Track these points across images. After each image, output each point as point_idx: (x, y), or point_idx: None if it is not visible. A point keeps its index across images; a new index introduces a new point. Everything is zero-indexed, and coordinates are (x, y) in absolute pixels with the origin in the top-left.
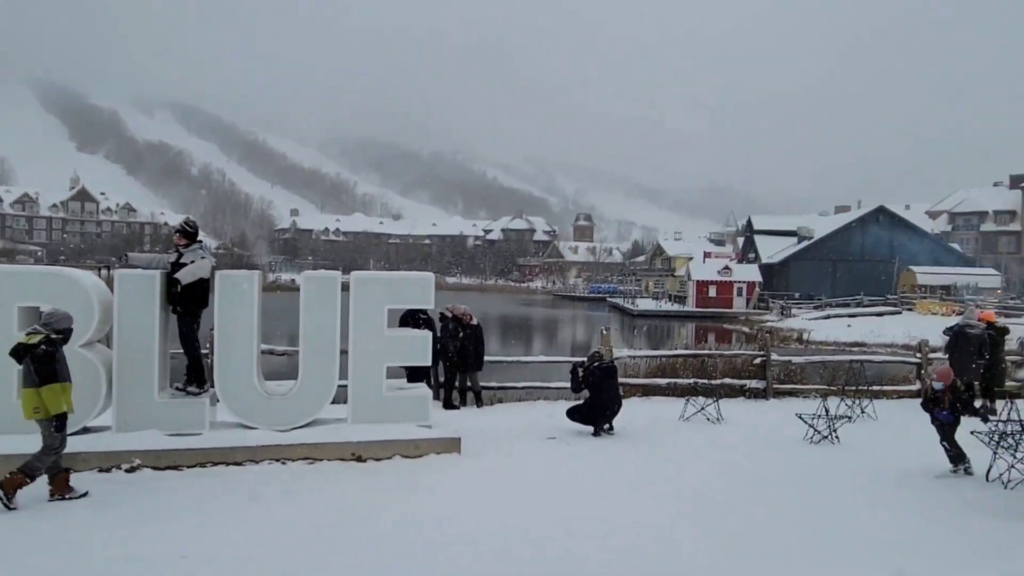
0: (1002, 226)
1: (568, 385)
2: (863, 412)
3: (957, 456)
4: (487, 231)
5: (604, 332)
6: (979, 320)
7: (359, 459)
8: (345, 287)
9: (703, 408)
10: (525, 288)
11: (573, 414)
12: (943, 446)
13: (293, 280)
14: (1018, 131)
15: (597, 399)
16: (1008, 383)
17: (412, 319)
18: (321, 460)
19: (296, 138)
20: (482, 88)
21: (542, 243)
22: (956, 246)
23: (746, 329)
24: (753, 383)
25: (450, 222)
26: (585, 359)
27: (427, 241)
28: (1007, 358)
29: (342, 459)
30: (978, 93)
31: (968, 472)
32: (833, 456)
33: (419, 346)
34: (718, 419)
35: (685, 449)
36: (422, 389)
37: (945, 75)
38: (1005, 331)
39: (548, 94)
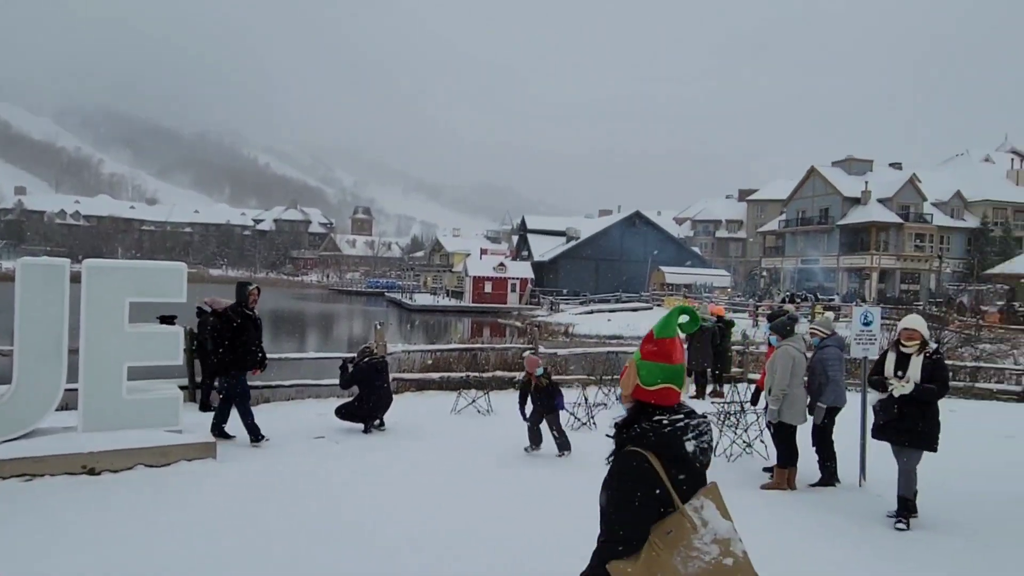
0: (732, 233)
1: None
2: (618, 400)
3: (563, 443)
4: (258, 221)
5: (378, 327)
6: (711, 314)
7: (91, 472)
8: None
9: (474, 400)
10: (299, 282)
11: (342, 412)
12: (552, 434)
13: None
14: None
15: (367, 395)
16: (733, 369)
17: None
18: (43, 476)
19: (27, 105)
20: (254, 68)
21: (318, 236)
22: (697, 249)
23: (518, 324)
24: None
25: (215, 209)
26: (355, 355)
27: (188, 229)
28: (732, 347)
29: (70, 473)
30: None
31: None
32: (589, 439)
33: (168, 343)
34: (488, 411)
35: (453, 441)
36: (172, 390)
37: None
38: (732, 324)
39: (329, 82)
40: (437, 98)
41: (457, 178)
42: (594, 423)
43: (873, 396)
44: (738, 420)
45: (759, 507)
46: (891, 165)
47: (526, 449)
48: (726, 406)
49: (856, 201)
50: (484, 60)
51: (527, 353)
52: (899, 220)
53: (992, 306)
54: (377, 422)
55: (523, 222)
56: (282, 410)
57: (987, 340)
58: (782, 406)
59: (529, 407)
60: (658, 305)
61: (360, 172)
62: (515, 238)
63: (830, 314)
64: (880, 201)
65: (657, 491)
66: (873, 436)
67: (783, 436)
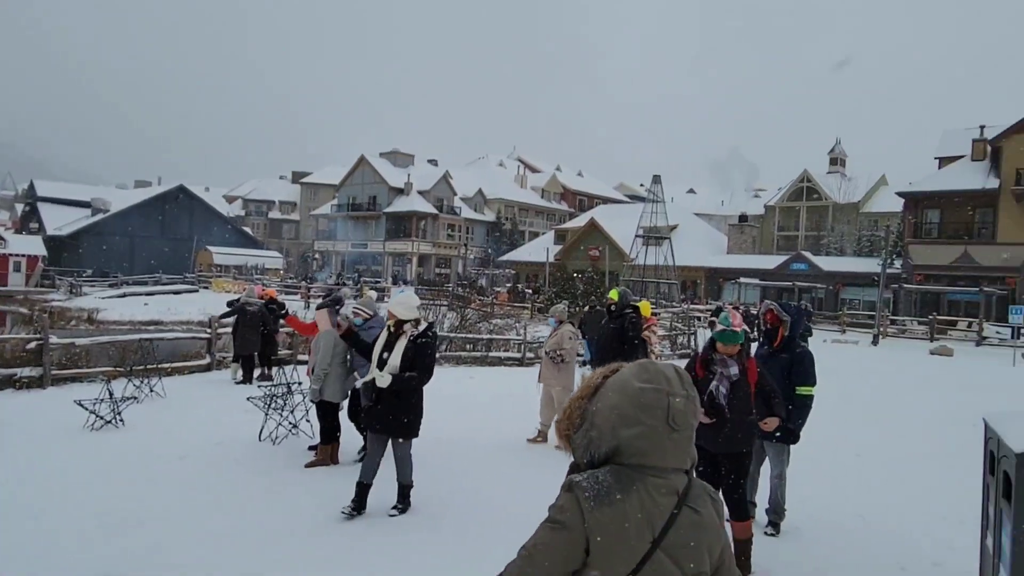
0: (286, 215)
1: None
2: (152, 391)
3: None
4: None
5: None
6: (260, 297)
7: None
8: None
9: None
10: None
11: None
12: None
13: None
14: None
15: None
16: (282, 351)
17: None
18: None
19: None
20: None
21: None
22: (248, 230)
23: (24, 310)
24: (27, 371)
25: None
26: None
27: None
28: (283, 330)
29: None
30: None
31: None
32: (114, 439)
33: None
34: None
35: None
36: None
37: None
38: (283, 307)
39: None
40: None
41: None
42: (121, 420)
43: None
44: (285, 402)
45: (299, 483)
46: (429, 161)
47: None
48: (273, 389)
49: (400, 191)
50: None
51: None
52: (435, 211)
53: (503, 287)
54: None
55: (32, 187)
56: None
57: (499, 316)
58: (323, 384)
59: None
60: (205, 287)
61: None
62: (21, 207)
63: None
64: (420, 193)
65: None
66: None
67: (325, 413)
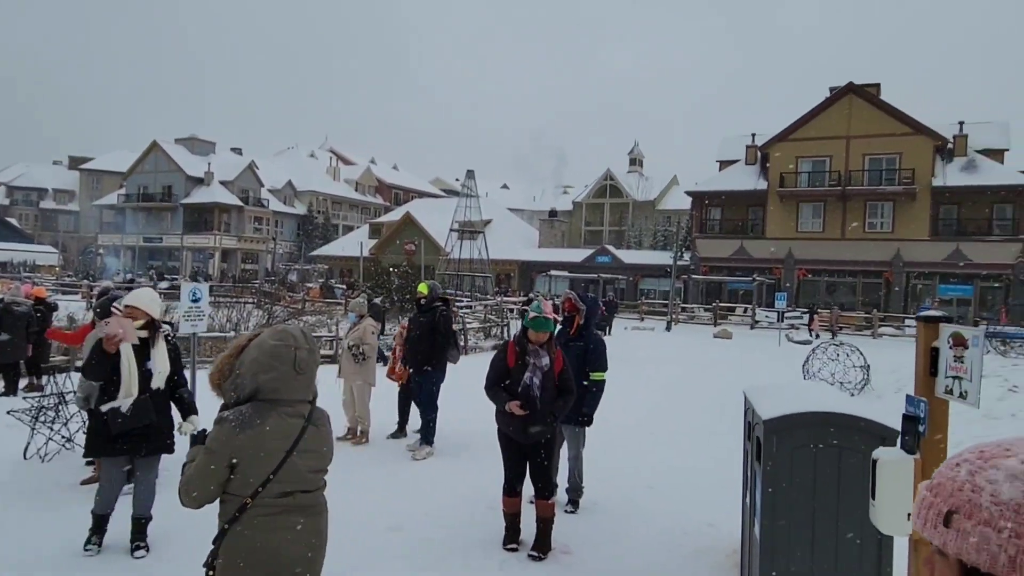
0: (62, 204)
1: None
2: None
3: None
4: None
5: None
6: (27, 296)
7: None
8: None
9: None
10: None
11: None
12: None
13: None
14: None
15: None
16: (55, 359)
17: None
18: None
19: None
20: None
21: None
22: (14, 221)
23: None
24: None
25: None
26: None
27: None
28: None
29: None
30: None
31: None
32: None
33: None
34: None
35: None
36: None
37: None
38: (54, 307)
39: None
40: None
41: None
42: None
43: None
44: (56, 414)
45: (75, 501)
46: (232, 150)
47: None
48: (42, 400)
49: (200, 181)
50: None
51: None
52: (240, 203)
53: (315, 283)
54: None
55: None
56: None
57: (310, 312)
58: (93, 392)
59: None
60: None
61: None
62: None
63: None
64: (223, 183)
65: None
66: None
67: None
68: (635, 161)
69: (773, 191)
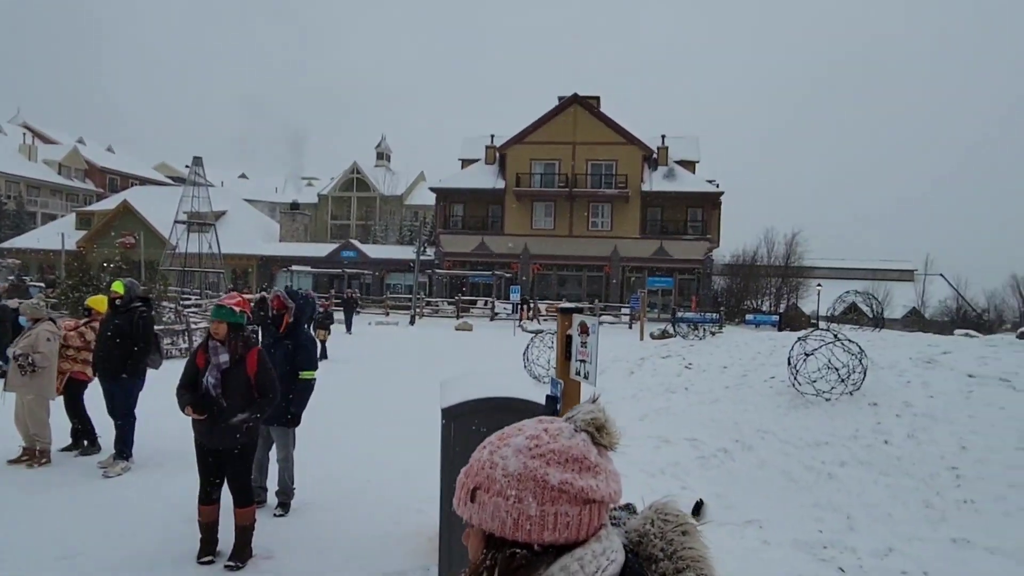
0: None
1: None
2: None
3: None
4: None
5: None
6: None
7: None
8: None
9: None
10: None
11: None
12: None
13: None
14: None
15: None
16: None
17: None
18: None
19: None
20: None
21: None
22: None
23: None
24: None
25: None
26: None
27: None
28: None
29: None
30: None
31: None
32: None
33: None
34: None
35: None
36: None
37: None
38: None
39: None
40: None
41: None
42: None
43: None
44: None
45: None
46: None
47: None
48: None
49: None
50: None
51: None
52: None
53: (3, 280)
54: None
55: None
56: None
57: None
58: None
59: None
60: None
61: None
62: None
63: None
64: None
65: None
66: None
67: None
68: (382, 155)
69: (510, 190)
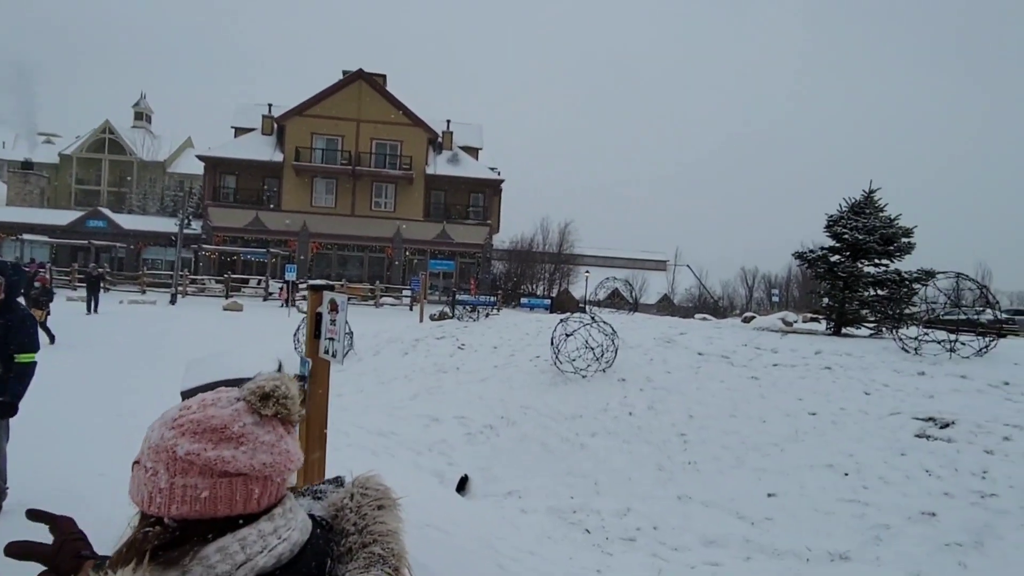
0: None
1: None
2: None
3: None
4: None
5: None
6: None
7: None
8: None
9: None
10: None
11: None
12: None
13: None
14: None
15: None
16: None
17: None
18: None
19: None
20: None
21: None
22: None
23: None
24: None
25: None
26: None
27: None
28: None
29: None
30: None
31: None
32: None
33: None
34: None
35: None
36: None
37: None
38: None
39: None
40: None
41: None
42: None
43: None
44: None
45: None
46: None
47: None
48: None
49: None
50: None
51: None
52: None
53: None
54: None
55: None
56: None
57: None
58: None
59: None
60: None
61: None
62: None
63: None
64: None
65: None
66: None
67: None
68: (142, 116)
69: (289, 164)
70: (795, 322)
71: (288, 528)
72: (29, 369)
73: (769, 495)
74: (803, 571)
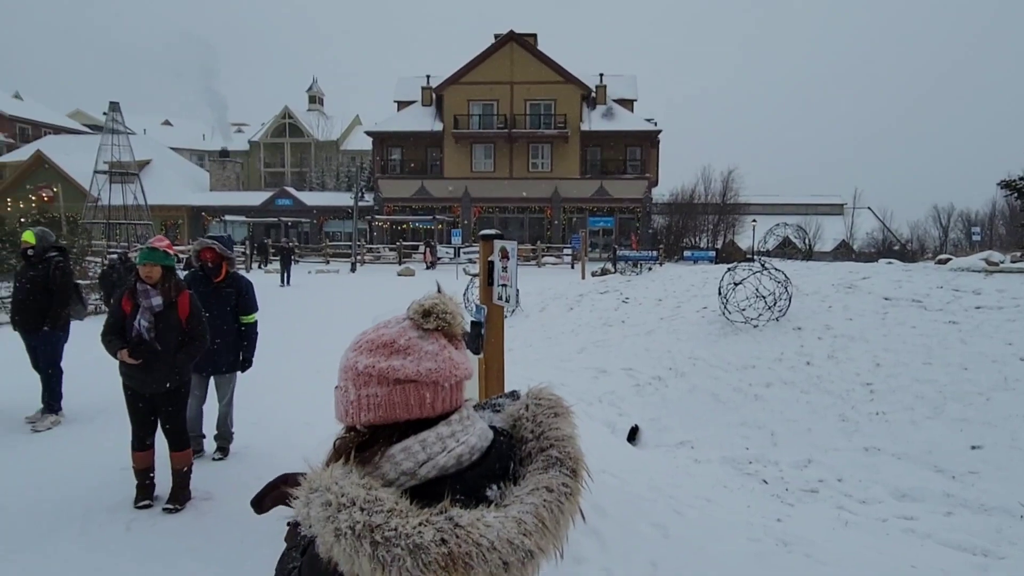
0: None
1: None
2: None
3: None
4: None
5: None
6: None
7: None
8: None
9: None
10: None
11: None
12: None
13: None
14: None
15: None
16: None
17: None
18: None
19: None
20: None
21: None
22: None
23: None
24: None
25: None
26: None
27: None
28: None
29: None
30: None
31: None
32: None
33: None
34: None
35: None
36: None
37: None
38: None
39: None
40: None
41: None
42: None
43: None
44: None
45: None
46: None
47: None
48: None
49: None
50: None
51: None
52: None
53: None
54: None
55: None
56: None
57: None
58: None
59: None
60: None
61: None
62: None
63: None
64: None
65: None
66: None
67: None
68: (315, 99)
69: (448, 132)
70: (1001, 261)
71: (465, 433)
72: (253, 328)
73: (973, 447)
74: (1016, 528)
